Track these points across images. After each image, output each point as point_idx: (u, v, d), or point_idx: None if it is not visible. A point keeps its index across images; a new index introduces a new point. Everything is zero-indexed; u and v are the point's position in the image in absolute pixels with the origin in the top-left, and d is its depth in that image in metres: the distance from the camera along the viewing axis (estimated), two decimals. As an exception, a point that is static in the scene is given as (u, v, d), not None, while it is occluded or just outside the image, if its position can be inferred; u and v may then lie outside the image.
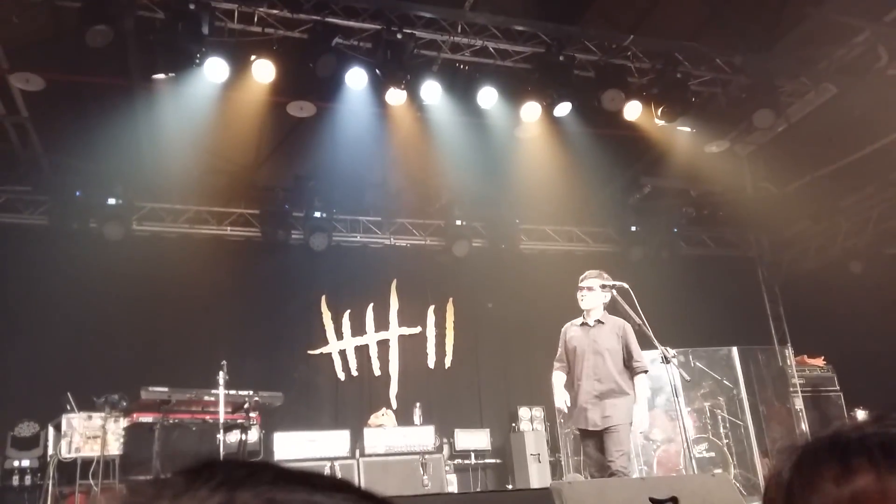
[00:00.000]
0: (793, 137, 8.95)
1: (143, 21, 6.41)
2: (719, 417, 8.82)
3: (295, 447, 7.77)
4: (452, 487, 8.19)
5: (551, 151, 8.52)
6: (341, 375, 9.45)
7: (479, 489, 8.91)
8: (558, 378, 5.59)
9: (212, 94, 7.11)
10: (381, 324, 9.81)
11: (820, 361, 9.96)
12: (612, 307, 5.63)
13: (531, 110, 7.68)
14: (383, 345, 9.75)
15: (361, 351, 9.64)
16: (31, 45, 6.90)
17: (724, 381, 8.96)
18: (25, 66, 6.94)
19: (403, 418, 8.87)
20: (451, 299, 10.14)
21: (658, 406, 8.43)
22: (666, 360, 5.25)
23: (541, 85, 7.51)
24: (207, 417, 6.77)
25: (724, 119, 8.67)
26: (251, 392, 6.78)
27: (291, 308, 9.39)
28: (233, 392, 6.47)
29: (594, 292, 5.48)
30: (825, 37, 7.76)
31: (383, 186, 9.89)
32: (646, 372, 5.41)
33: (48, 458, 6.98)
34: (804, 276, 10.79)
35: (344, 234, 10.00)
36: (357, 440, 8.13)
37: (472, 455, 9.12)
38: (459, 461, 8.98)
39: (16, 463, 7.30)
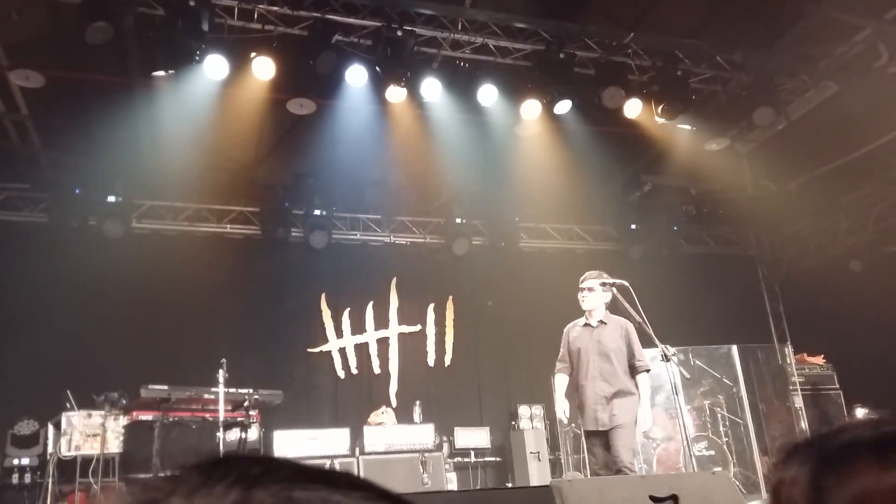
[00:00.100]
0: (793, 135, 8.94)
1: (143, 18, 6.39)
2: (719, 416, 8.82)
3: (295, 445, 7.77)
4: (452, 485, 8.20)
5: (551, 149, 8.51)
6: (341, 373, 9.45)
7: (478, 487, 8.91)
8: (560, 381, 5.60)
9: (212, 92, 7.10)
10: (381, 322, 9.80)
11: (820, 360, 9.96)
12: (612, 306, 5.63)
13: (531, 108, 7.67)
14: (383, 343, 9.75)
15: (361, 349, 9.64)
16: (30, 43, 6.88)
17: (724, 380, 8.96)
18: (25, 63, 6.93)
19: (403, 416, 8.87)
20: (450, 297, 10.13)
21: (658, 404, 8.41)
22: (666, 358, 5.27)
23: (541, 82, 7.49)
24: (207, 415, 6.78)
25: (724, 117, 8.66)
26: (251, 390, 6.79)
27: (291, 306, 9.38)
28: (233, 390, 6.47)
29: (595, 293, 5.50)
30: (825, 34, 7.75)
31: (383, 184, 9.88)
32: (648, 371, 5.42)
33: (48, 457, 6.98)
34: (804, 275, 10.78)
35: (344, 231, 9.99)
36: (357, 438, 8.13)
37: (472, 453, 9.12)
38: (459, 459, 8.98)
39: (15, 461, 7.30)
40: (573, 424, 8.96)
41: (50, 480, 6.78)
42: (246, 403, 6.72)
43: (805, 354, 10.06)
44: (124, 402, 6.86)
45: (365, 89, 7.26)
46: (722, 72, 8.09)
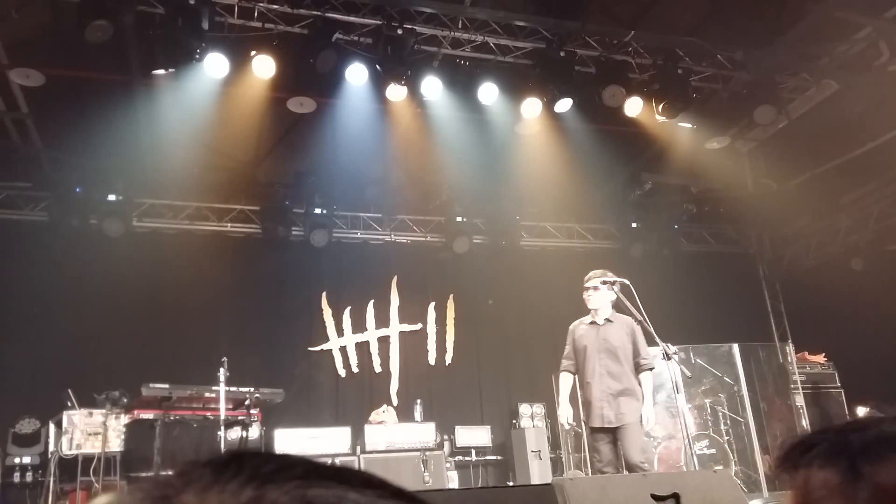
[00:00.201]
0: (794, 134, 8.93)
1: (143, 16, 6.39)
2: (720, 414, 8.81)
3: (296, 444, 7.77)
4: (453, 484, 8.19)
5: (552, 148, 8.50)
6: (342, 372, 9.45)
7: (480, 486, 8.90)
8: (566, 380, 5.62)
9: (212, 90, 7.09)
10: (382, 320, 9.80)
11: (821, 358, 9.95)
12: (615, 304, 5.64)
13: (532, 106, 7.66)
14: (384, 341, 9.75)
15: (362, 347, 9.63)
16: (30, 41, 6.88)
17: (725, 378, 8.95)
18: (25, 61, 6.93)
19: (404, 415, 8.87)
20: (451, 296, 10.13)
21: (659, 403, 8.40)
22: (667, 356, 5.28)
23: (541, 81, 7.49)
24: (208, 414, 6.76)
25: (725, 115, 8.65)
26: (252, 388, 6.77)
27: (292, 304, 9.38)
28: (233, 389, 6.46)
29: (600, 291, 5.52)
30: (826, 33, 7.74)
31: (384, 183, 9.88)
32: (651, 369, 5.44)
33: (49, 455, 6.98)
34: (805, 273, 10.78)
35: (344, 230, 9.99)
36: (358, 437, 8.13)
37: (473, 452, 9.12)
38: (460, 458, 8.98)
39: (17, 460, 7.31)
40: (574, 424, 8.98)
41: (51, 479, 6.79)
42: (247, 402, 6.70)
43: (806, 353, 10.06)
44: (125, 400, 6.85)
45: (365, 88, 7.25)
46: (723, 70, 8.08)
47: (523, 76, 7.64)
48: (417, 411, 8.82)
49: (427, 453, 7.71)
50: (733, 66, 8.03)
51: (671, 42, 7.74)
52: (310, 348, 9.39)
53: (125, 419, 6.87)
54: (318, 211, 9.50)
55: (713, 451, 8.45)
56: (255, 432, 7.08)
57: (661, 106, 7.75)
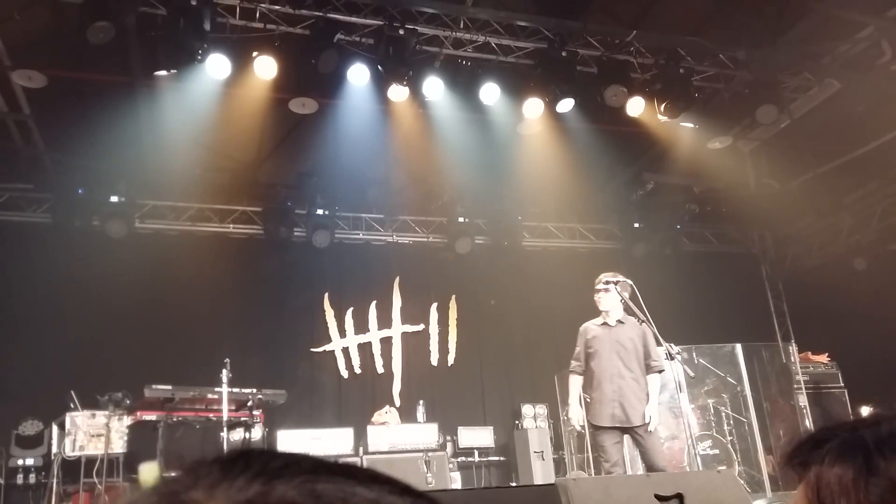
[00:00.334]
0: (796, 133, 8.92)
1: (145, 17, 6.39)
2: (723, 414, 8.79)
3: (298, 445, 7.76)
4: (456, 485, 8.19)
5: (554, 148, 8.49)
6: (344, 373, 9.45)
7: (483, 486, 8.89)
8: (575, 383, 5.64)
9: (214, 91, 7.10)
10: (384, 321, 9.80)
11: (824, 358, 9.93)
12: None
13: (533, 106, 7.65)
14: (386, 342, 9.75)
15: (364, 348, 9.63)
16: (32, 43, 6.89)
17: (728, 378, 8.93)
18: (27, 63, 6.93)
19: (407, 416, 8.86)
20: (453, 296, 10.12)
21: (662, 403, 8.39)
22: (670, 356, 5.28)
23: (543, 81, 7.48)
24: (211, 415, 6.77)
25: (727, 115, 8.64)
26: (254, 390, 6.78)
27: (294, 305, 9.38)
28: (236, 390, 6.47)
29: (610, 293, 5.52)
30: (828, 32, 7.72)
31: (385, 183, 9.88)
32: (661, 371, 5.46)
33: (52, 457, 6.98)
34: (808, 273, 10.76)
35: (346, 231, 9.99)
36: (360, 438, 8.13)
37: (476, 453, 9.11)
38: (463, 459, 8.97)
39: (20, 461, 7.31)
40: (585, 425, 8.97)
41: (54, 481, 6.78)
42: (249, 403, 6.72)
43: (809, 353, 10.03)
44: (128, 402, 6.86)
45: (367, 88, 7.25)
46: (725, 69, 8.07)
47: (525, 76, 7.64)
48: (420, 412, 8.81)
49: (430, 454, 7.70)
50: (735, 65, 8.02)
51: (673, 42, 7.74)
52: (312, 349, 9.39)
53: (128, 420, 6.87)
54: (320, 212, 9.50)
55: (716, 451, 8.43)
56: (257, 433, 7.08)
57: (663, 106, 7.74)
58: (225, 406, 6.15)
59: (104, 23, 5.84)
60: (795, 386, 9.60)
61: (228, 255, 9.34)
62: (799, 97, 8.46)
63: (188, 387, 6.63)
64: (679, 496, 3.52)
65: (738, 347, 8.95)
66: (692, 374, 5.83)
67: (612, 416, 5.29)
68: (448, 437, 8.79)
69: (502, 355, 10.00)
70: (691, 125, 8.64)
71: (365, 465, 7.62)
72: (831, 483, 0.80)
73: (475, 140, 8.36)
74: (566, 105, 7.56)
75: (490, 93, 7.48)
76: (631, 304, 5.45)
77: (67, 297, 8.19)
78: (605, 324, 5.59)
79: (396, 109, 7.76)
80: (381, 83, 7.15)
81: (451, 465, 8.14)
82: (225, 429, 6.19)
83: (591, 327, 5.66)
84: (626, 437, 5.48)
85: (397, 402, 9.33)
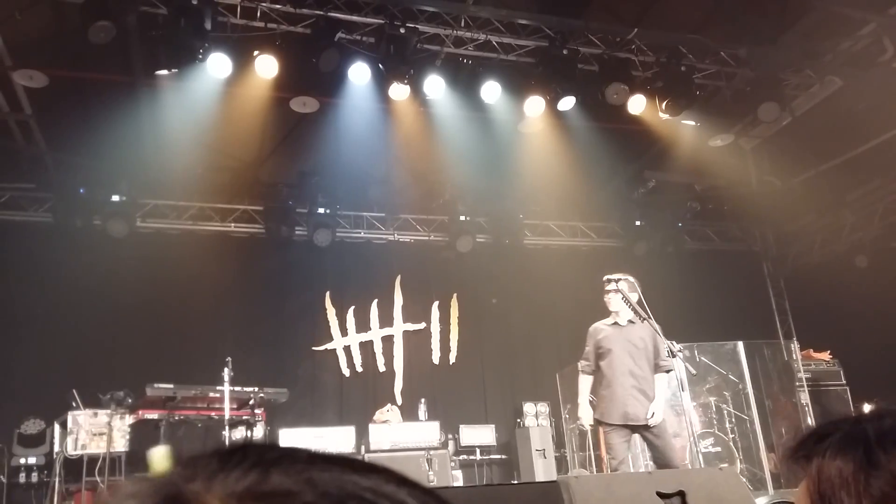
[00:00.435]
0: (798, 131, 8.91)
1: (146, 17, 6.39)
2: (725, 412, 8.79)
3: (300, 443, 7.76)
4: (458, 483, 8.19)
5: (555, 146, 8.49)
6: (346, 372, 9.45)
7: (485, 483, 8.89)
8: (585, 383, 5.68)
9: (215, 90, 7.10)
10: (386, 320, 9.80)
11: (826, 356, 9.92)
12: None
13: (535, 104, 7.64)
14: (388, 341, 9.75)
15: (366, 347, 9.64)
16: (34, 42, 6.89)
17: (730, 376, 8.92)
18: (28, 62, 6.93)
19: (408, 414, 8.86)
20: (455, 295, 10.12)
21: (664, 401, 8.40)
22: (672, 354, 5.31)
23: (544, 79, 7.47)
24: (213, 414, 6.78)
25: (728, 112, 8.63)
26: (256, 388, 6.79)
27: (295, 304, 9.39)
28: (238, 388, 6.48)
29: (619, 295, 5.56)
30: (830, 29, 7.71)
31: (387, 182, 9.88)
32: (669, 371, 5.50)
33: (54, 456, 7.00)
34: (809, 271, 10.75)
35: (347, 230, 9.99)
36: (362, 436, 8.13)
37: (478, 451, 9.11)
38: (465, 457, 8.97)
39: (22, 460, 7.32)
40: (579, 422, 8.97)
41: (56, 479, 6.80)
42: (251, 402, 6.72)
43: (811, 350, 10.03)
44: (130, 400, 6.87)
45: (368, 87, 7.25)
46: (726, 67, 8.06)
47: (526, 74, 7.63)
48: (421, 410, 8.81)
49: (431, 452, 7.69)
50: (737, 63, 8.01)
51: (674, 39, 7.73)
52: (314, 348, 9.39)
53: (130, 419, 6.88)
54: (321, 210, 9.50)
55: (718, 449, 8.43)
56: (259, 432, 7.09)
57: (664, 103, 7.73)
58: (227, 404, 6.16)
59: (105, 22, 5.84)
60: (797, 383, 9.60)
61: (230, 254, 9.35)
62: (800, 95, 8.45)
63: (190, 385, 6.64)
64: (681, 493, 3.52)
65: (740, 345, 8.95)
66: (694, 371, 5.85)
67: (624, 415, 5.33)
68: (450, 436, 8.79)
69: (504, 353, 10.00)
70: (693, 123, 8.63)
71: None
72: (832, 476, 0.80)
73: (476, 138, 8.35)
74: (567, 103, 7.56)
75: (491, 91, 7.48)
76: (633, 302, 5.47)
77: (69, 296, 8.20)
78: (615, 324, 5.62)
79: (397, 108, 7.76)
80: (382, 82, 7.15)
81: (452, 464, 8.14)
82: (227, 427, 6.20)
83: (601, 327, 5.69)
84: (636, 437, 5.52)
85: (399, 400, 9.33)
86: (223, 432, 6.23)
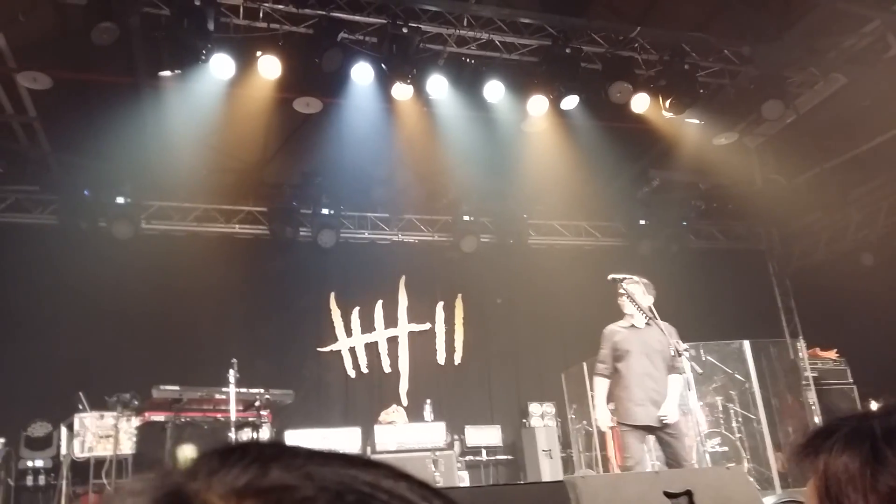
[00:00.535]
0: (802, 128, 8.88)
1: (149, 18, 6.40)
2: (731, 411, 8.75)
3: (306, 445, 7.76)
4: (464, 484, 8.17)
5: (559, 145, 8.47)
6: (351, 373, 9.45)
7: (491, 484, 8.88)
8: (602, 385, 5.70)
9: (218, 91, 7.10)
10: (391, 320, 9.80)
11: (832, 354, 9.88)
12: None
13: (538, 104, 7.63)
14: (393, 341, 9.74)
15: (371, 348, 9.63)
16: (37, 44, 6.90)
17: (736, 375, 8.88)
18: (32, 65, 6.95)
19: (414, 415, 8.86)
20: (459, 295, 10.12)
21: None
22: (678, 353, 5.30)
23: (547, 78, 7.46)
24: (219, 416, 6.78)
25: (732, 111, 8.60)
26: (262, 390, 6.79)
27: (300, 305, 9.39)
28: (244, 390, 6.47)
29: (635, 296, 5.58)
30: (834, 26, 7.68)
31: (390, 182, 9.87)
32: (682, 373, 5.52)
33: (61, 458, 7.00)
34: (815, 269, 10.72)
35: (352, 230, 9.99)
36: (368, 437, 8.13)
37: (484, 451, 9.11)
38: (471, 457, 8.96)
39: (29, 463, 7.33)
40: (584, 422, 8.96)
41: (63, 482, 6.80)
42: (257, 403, 6.72)
43: (818, 349, 9.99)
44: (136, 403, 6.87)
45: (371, 87, 7.25)
46: (730, 65, 8.03)
47: (529, 73, 7.62)
48: (427, 411, 8.81)
49: (437, 453, 7.69)
50: (740, 61, 7.98)
51: (677, 37, 7.71)
52: (319, 349, 9.40)
53: (136, 421, 6.88)
54: (325, 211, 9.50)
55: (725, 448, 8.40)
56: (265, 434, 7.08)
57: (668, 102, 7.71)
58: (233, 406, 6.16)
59: (108, 24, 5.85)
60: (804, 382, 9.55)
61: (234, 255, 9.35)
62: (805, 92, 8.41)
63: (196, 387, 6.64)
64: (688, 493, 3.50)
65: (746, 344, 8.91)
66: (700, 370, 5.85)
67: (644, 417, 5.37)
68: (455, 436, 8.78)
69: (509, 353, 9.99)
70: (696, 121, 8.60)
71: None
72: (838, 471, 0.79)
73: (480, 138, 8.35)
74: (571, 102, 7.55)
75: (494, 90, 7.47)
76: (642, 305, 5.47)
77: (74, 298, 8.21)
78: (632, 326, 5.61)
79: (400, 108, 7.75)
80: (384, 82, 7.14)
81: (458, 464, 8.13)
82: (233, 429, 6.19)
83: (617, 329, 5.70)
84: (649, 437, 5.54)
85: (404, 401, 9.32)
86: (229, 434, 6.23)
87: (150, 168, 8.63)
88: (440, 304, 10.02)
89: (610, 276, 5.63)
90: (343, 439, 7.99)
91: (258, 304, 9.25)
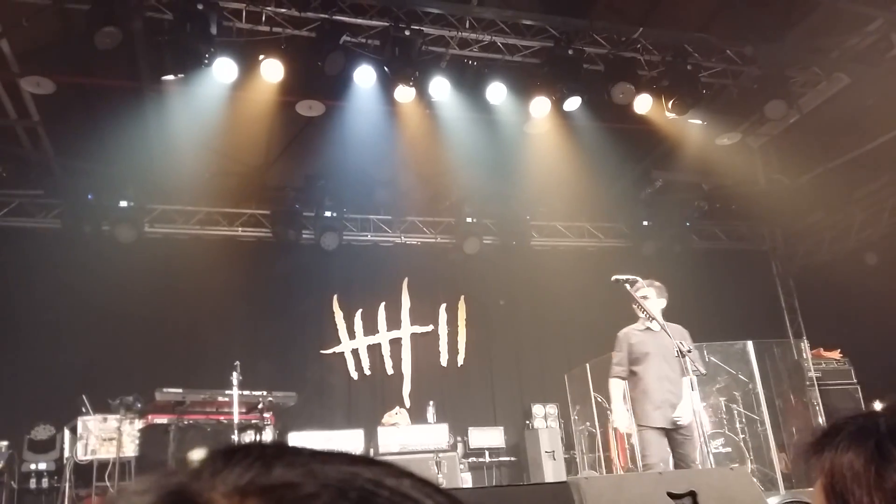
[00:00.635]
0: (805, 128, 8.87)
1: (152, 22, 6.41)
2: (735, 412, 8.74)
3: (309, 447, 7.76)
4: (467, 485, 8.16)
5: (561, 146, 8.47)
6: (354, 375, 9.45)
7: (495, 485, 8.87)
8: (619, 387, 5.74)
9: (221, 95, 7.11)
10: (393, 322, 9.80)
11: (836, 354, 9.85)
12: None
13: (540, 105, 7.63)
14: (395, 343, 9.74)
15: (374, 350, 9.63)
16: (40, 49, 6.92)
17: (740, 376, 8.87)
18: (35, 69, 6.97)
19: (417, 417, 8.85)
20: (462, 297, 10.11)
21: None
22: (681, 354, 5.29)
23: (550, 79, 7.46)
24: (222, 418, 6.78)
25: (735, 111, 8.59)
26: (265, 392, 6.78)
27: (303, 308, 9.39)
28: (247, 392, 6.47)
29: (650, 300, 5.62)
30: (837, 26, 7.67)
31: (393, 185, 9.88)
32: (698, 375, 5.57)
33: (64, 461, 7.01)
34: (819, 269, 10.69)
35: (354, 233, 10.00)
36: (371, 439, 8.13)
37: (487, 453, 9.10)
38: (474, 459, 8.96)
39: (32, 466, 7.34)
40: (588, 423, 8.95)
41: (67, 485, 6.81)
42: (260, 405, 6.72)
43: (821, 349, 9.96)
44: (139, 405, 6.88)
45: (373, 90, 7.26)
46: (732, 65, 8.03)
47: (531, 75, 7.62)
48: (430, 413, 8.80)
49: (440, 455, 7.68)
50: (743, 61, 7.97)
51: (680, 38, 7.70)
52: (322, 351, 9.40)
53: (139, 424, 6.89)
54: (328, 214, 9.51)
55: (728, 449, 8.38)
56: (268, 436, 7.08)
57: (670, 102, 7.71)
58: (236, 409, 6.16)
59: (111, 28, 5.86)
60: (807, 383, 9.53)
61: (237, 258, 9.36)
62: (808, 92, 8.40)
63: (199, 390, 6.64)
64: (692, 494, 3.49)
65: (750, 345, 8.89)
66: (703, 371, 5.85)
67: (664, 419, 5.40)
68: (458, 438, 8.78)
69: (512, 355, 9.98)
70: (699, 122, 8.60)
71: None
72: (844, 468, 0.79)
73: (482, 140, 8.35)
74: (573, 103, 7.54)
75: (496, 92, 7.47)
76: (644, 304, 5.48)
77: (77, 302, 8.23)
78: (648, 329, 5.62)
79: (403, 110, 7.76)
80: (387, 84, 7.15)
81: (461, 466, 8.12)
82: (236, 431, 6.19)
83: (633, 333, 5.73)
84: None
85: (407, 403, 9.32)
86: (232, 436, 6.23)
87: (153, 172, 8.65)
88: (443, 306, 10.02)
89: (613, 278, 5.62)
90: (346, 441, 7.99)
91: (261, 306, 9.25)
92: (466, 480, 8.22)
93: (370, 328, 9.68)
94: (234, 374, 6.11)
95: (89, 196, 8.61)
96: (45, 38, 6.94)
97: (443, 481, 7.38)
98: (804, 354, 9.84)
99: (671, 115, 7.89)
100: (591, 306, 9.01)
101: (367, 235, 10.12)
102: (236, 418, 6.18)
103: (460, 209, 10.05)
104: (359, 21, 6.96)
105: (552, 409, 9.37)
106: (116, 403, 6.92)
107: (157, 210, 9.26)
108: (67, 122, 7.89)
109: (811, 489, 0.87)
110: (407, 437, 8.08)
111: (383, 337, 9.70)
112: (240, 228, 9.63)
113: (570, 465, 9.10)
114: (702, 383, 8.09)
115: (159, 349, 8.36)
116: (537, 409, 9.35)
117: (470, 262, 10.04)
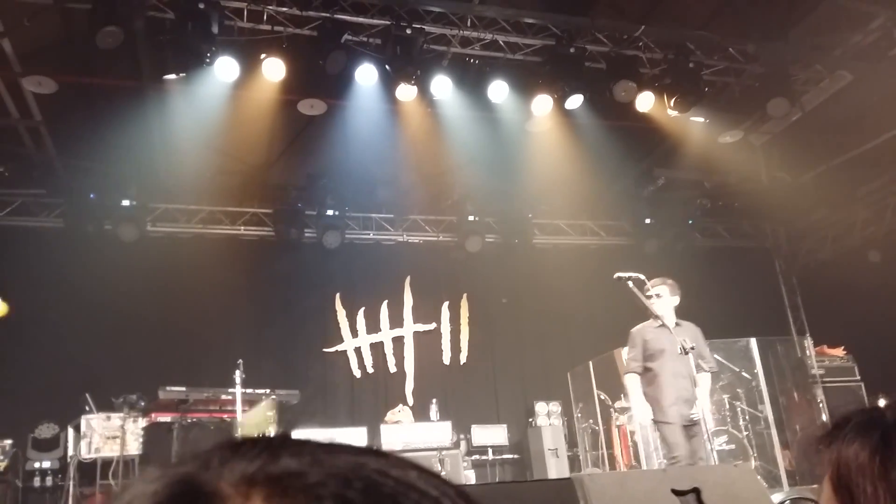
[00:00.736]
0: (808, 126, 8.85)
1: (153, 21, 6.41)
2: (738, 409, 8.73)
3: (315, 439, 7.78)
4: (471, 483, 8.17)
5: (563, 145, 8.46)
6: (357, 373, 9.46)
7: (498, 481, 8.88)
8: (636, 382, 5.77)
9: (223, 94, 7.12)
10: (396, 321, 9.80)
11: (840, 351, 9.84)
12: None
13: (542, 103, 7.62)
14: (398, 341, 9.75)
15: (377, 348, 9.64)
16: (42, 49, 6.93)
17: (743, 373, 8.86)
18: (37, 69, 6.97)
19: (420, 414, 8.86)
20: (465, 295, 10.12)
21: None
22: (685, 352, 5.29)
23: (552, 77, 7.46)
24: (225, 416, 6.80)
25: (737, 109, 8.57)
26: (268, 390, 6.80)
27: (306, 306, 9.40)
28: (249, 391, 6.49)
29: (663, 299, 5.69)
30: (840, 23, 7.66)
31: (395, 183, 9.88)
32: (710, 372, 5.72)
33: (68, 459, 7.03)
34: (822, 266, 10.68)
35: (357, 231, 10.00)
36: (374, 437, 8.14)
37: (490, 451, 9.11)
38: (477, 457, 8.97)
39: (37, 464, 7.37)
40: (591, 421, 8.95)
41: (71, 483, 6.83)
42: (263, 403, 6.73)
43: (825, 346, 9.95)
44: (143, 404, 6.90)
45: (375, 88, 7.25)
46: (735, 63, 8.01)
47: (533, 73, 7.61)
48: (433, 411, 8.81)
49: (444, 452, 7.69)
50: (745, 58, 7.96)
51: (682, 36, 7.69)
52: (324, 349, 9.41)
53: (143, 422, 6.90)
54: (330, 212, 9.52)
55: (732, 446, 8.38)
56: (271, 434, 7.09)
57: (672, 100, 7.69)
58: (239, 407, 6.17)
59: (113, 28, 5.86)
60: (811, 380, 9.53)
61: (240, 257, 9.38)
62: (810, 89, 8.38)
63: (202, 388, 6.66)
64: (696, 490, 3.49)
65: (753, 342, 8.89)
66: (708, 369, 5.87)
67: (679, 415, 5.47)
68: (461, 436, 8.78)
69: (515, 353, 9.99)
70: (702, 120, 8.58)
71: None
72: (849, 460, 0.79)
73: (484, 138, 8.35)
74: (575, 101, 7.54)
75: (498, 90, 7.46)
76: (643, 298, 5.48)
77: (81, 300, 8.24)
78: (662, 326, 5.64)
79: (405, 109, 7.76)
80: (389, 83, 7.15)
81: (465, 464, 8.13)
82: (239, 429, 6.21)
83: (647, 329, 5.78)
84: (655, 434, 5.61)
85: (410, 400, 9.33)
86: (236, 434, 6.24)
87: (155, 171, 8.66)
88: (445, 304, 10.03)
89: (616, 275, 5.62)
90: (349, 439, 7.99)
91: (264, 305, 9.27)
92: (469, 478, 8.23)
93: (373, 326, 9.69)
94: (238, 372, 6.12)
95: (92, 195, 8.63)
96: (47, 38, 6.95)
97: (446, 479, 7.38)
98: (808, 351, 9.84)
99: (673, 113, 7.88)
100: (593, 304, 9.01)
101: (369, 234, 10.13)
102: (239, 416, 6.20)
103: (462, 207, 10.05)
104: (360, 20, 6.95)
105: (555, 406, 9.38)
106: (120, 402, 6.94)
107: (159, 209, 9.27)
108: (69, 121, 7.90)
109: (815, 486, 0.88)
110: (410, 435, 8.09)
111: (386, 335, 9.71)
112: (242, 227, 9.64)
113: (574, 463, 9.10)
114: (705, 381, 8.08)
115: (162, 348, 8.37)
116: (540, 407, 9.36)
117: (472, 260, 10.05)
